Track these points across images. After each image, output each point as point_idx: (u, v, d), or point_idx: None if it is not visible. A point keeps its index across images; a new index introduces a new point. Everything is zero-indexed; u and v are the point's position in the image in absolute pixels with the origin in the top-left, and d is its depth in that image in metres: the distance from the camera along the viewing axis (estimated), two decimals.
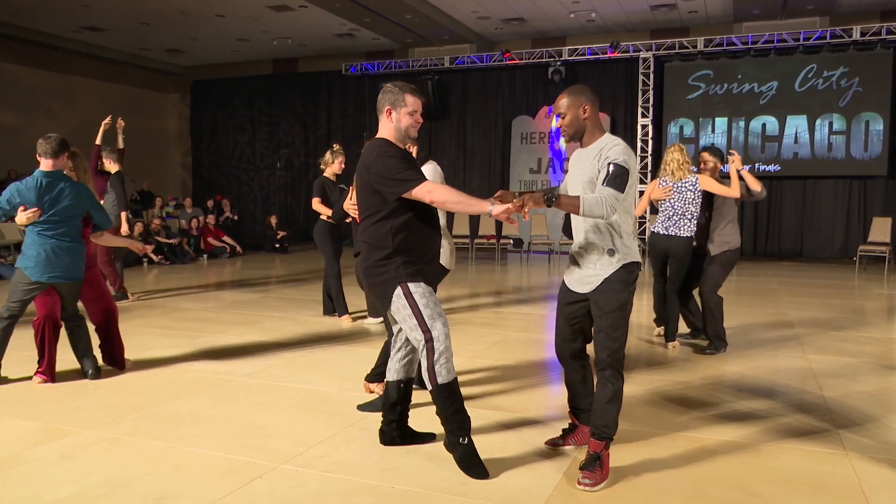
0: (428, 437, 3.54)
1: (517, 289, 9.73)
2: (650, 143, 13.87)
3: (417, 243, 3.21)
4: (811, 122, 13.02)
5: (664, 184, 5.55)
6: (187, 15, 13.24)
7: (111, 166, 7.81)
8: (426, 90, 14.66)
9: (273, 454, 3.40)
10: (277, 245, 14.52)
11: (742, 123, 13.46)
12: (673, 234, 5.51)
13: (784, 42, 12.85)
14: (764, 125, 13.33)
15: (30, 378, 4.68)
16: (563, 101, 3.16)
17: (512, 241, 13.85)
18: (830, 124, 12.91)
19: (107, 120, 8.04)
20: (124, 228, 7.65)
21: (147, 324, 6.78)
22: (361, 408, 4.07)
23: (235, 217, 15.28)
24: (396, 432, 3.50)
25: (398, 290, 3.16)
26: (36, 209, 4.42)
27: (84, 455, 3.40)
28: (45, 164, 4.53)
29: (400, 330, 3.39)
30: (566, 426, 3.55)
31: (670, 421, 3.93)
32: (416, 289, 3.15)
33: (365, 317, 6.91)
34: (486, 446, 3.47)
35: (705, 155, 5.70)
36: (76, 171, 4.92)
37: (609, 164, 3.00)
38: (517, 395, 4.43)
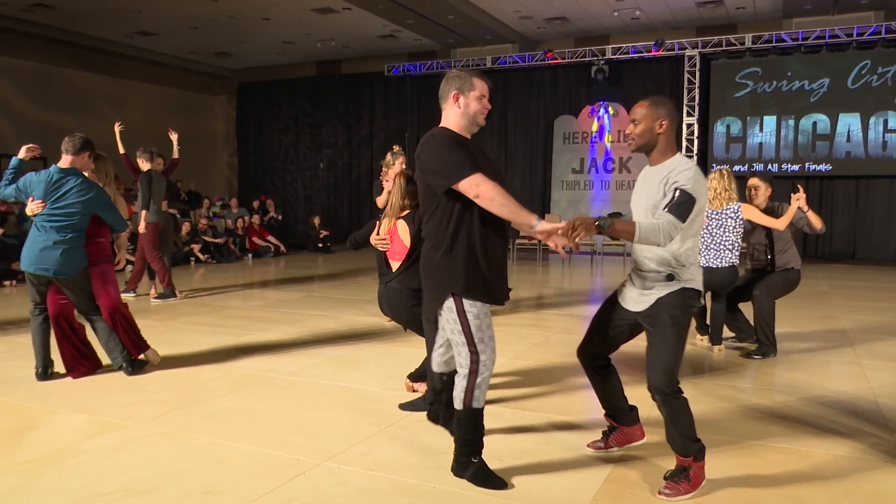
0: None
1: (559, 290, 9.66)
2: (696, 142, 13.63)
3: (481, 245, 2.93)
4: (864, 120, 12.60)
5: None
6: (235, 19, 13.50)
7: (143, 165, 7.98)
8: None
9: (316, 451, 3.44)
10: (320, 245, 14.70)
11: (791, 122, 13.10)
12: (714, 265, 5.37)
13: (836, 38, 12.47)
14: (815, 123, 12.94)
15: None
16: (640, 110, 2.97)
17: None
18: (885, 122, 12.47)
19: (119, 126, 8.18)
20: (142, 226, 7.80)
21: (194, 321, 6.94)
22: (403, 407, 4.09)
23: (280, 217, 15.52)
24: (442, 410, 3.35)
25: (450, 302, 2.94)
26: (41, 202, 4.55)
27: (134, 448, 3.50)
28: (64, 161, 4.66)
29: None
30: (605, 428, 3.50)
31: (717, 426, 3.85)
32: (471, 308, 2.93)
33: None
34: (528, 449, 3.46)
35: (755, 181, 5.58)
36: (97, 174, 4.99)
37: (676, 189, 2.80)
38: (559, 397, 4.40)
